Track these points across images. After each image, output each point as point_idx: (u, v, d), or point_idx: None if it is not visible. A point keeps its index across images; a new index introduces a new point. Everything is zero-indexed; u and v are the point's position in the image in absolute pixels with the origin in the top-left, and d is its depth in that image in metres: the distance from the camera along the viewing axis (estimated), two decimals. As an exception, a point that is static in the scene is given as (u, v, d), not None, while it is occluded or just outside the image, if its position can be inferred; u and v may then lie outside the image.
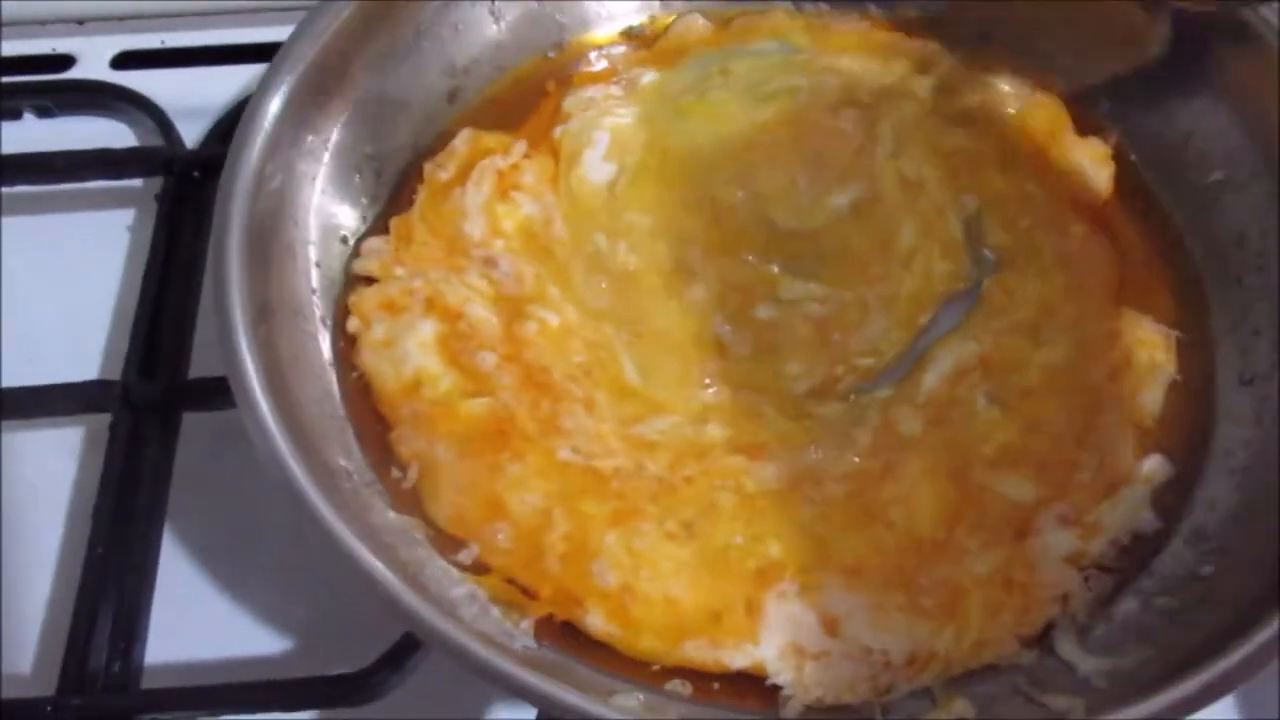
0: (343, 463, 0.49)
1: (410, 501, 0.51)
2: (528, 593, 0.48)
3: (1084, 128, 0.62)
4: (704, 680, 0.47)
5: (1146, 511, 0.51)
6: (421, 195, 0.60)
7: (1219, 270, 0.57)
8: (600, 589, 0.47)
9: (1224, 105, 0.59)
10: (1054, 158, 0.61)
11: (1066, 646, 0.46)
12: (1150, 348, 0.55)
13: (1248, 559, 0.47)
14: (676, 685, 0.47)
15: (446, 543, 0.50)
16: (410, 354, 0.54)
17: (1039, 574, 0.48)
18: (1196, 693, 0.40)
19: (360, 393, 0.53)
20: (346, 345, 0.54)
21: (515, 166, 0.60)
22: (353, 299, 0.56)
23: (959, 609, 0.47)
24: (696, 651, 0.47)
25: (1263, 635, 0.41)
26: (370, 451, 0.52)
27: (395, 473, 0.51)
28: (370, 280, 0.57)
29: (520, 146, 0.61)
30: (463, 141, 0.61)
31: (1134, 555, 0.50)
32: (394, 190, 0.60)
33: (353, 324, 0.55)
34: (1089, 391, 0.53)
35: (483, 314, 0.55)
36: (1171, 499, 0.51)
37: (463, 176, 0.59)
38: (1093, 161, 0.61)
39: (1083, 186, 0.61)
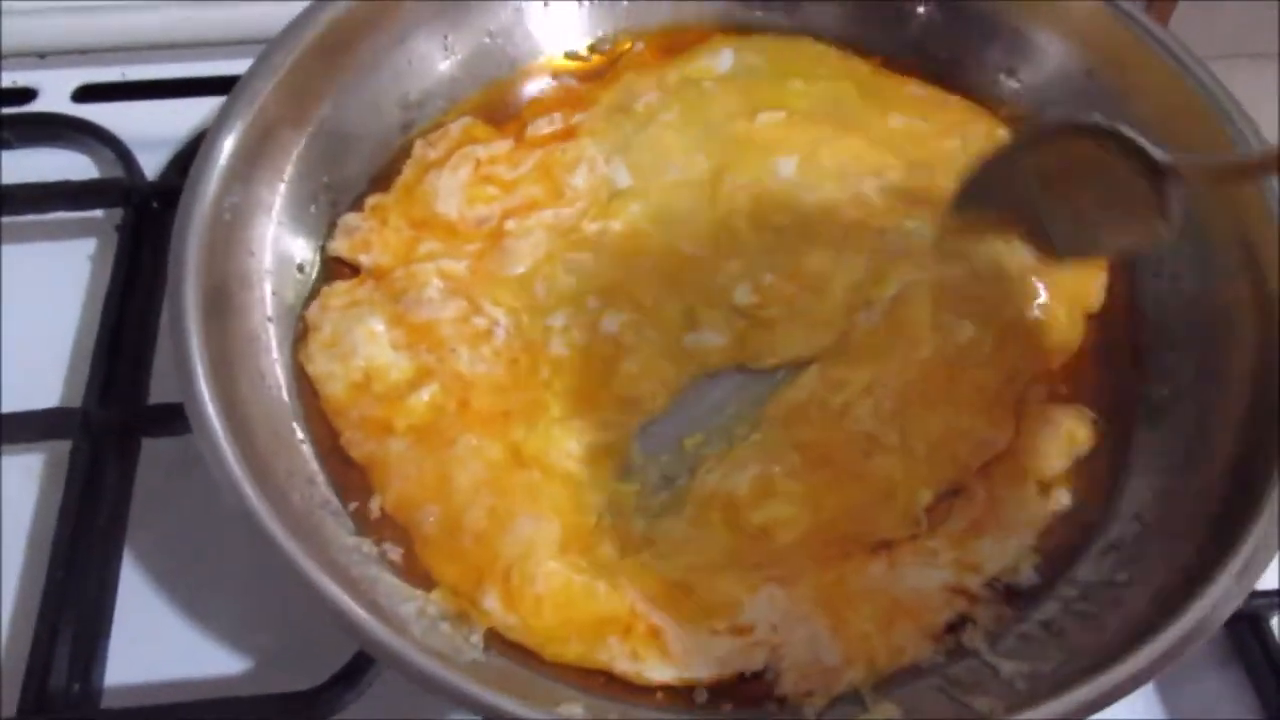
0: (297, 486, 0.51)
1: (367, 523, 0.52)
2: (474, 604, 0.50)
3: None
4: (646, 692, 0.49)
5: (1028, 566, 0.53)
6: (406, 172, 0.62)
7: (1140, 289, 0.61)
8: (502, 568, 0.50)
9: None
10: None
11: (983, 650, 0.49)
12: (1073, 425, 0.57)
13: (1158, 566, 0.50)
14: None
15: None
16: (358, 346, 0.56)
17: (920, 597, 0.51)
18: (1103, 693, 0.43)
19: (318, 416, 0.55)
20: (300, 371, 0.56)
21: (493, 159, 0.63)
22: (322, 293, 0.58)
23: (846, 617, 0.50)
24: (616, 661, 0.49)
25: (1167, 637, 0.44)
26: (327, 472, 0.53)
27: (350, 500, 0.53)
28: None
29: (504, 145, 0.64)
30: (458, 127, 0.64)
31: (1055, 566, 0.53)
32: (350, 220, 0.62)
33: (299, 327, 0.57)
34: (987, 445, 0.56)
35: (438, 297, 0.58)
36: (1091, 512, 0.54)
37: (447, 160, 0.63)
38: (1088, 273, 0.61)
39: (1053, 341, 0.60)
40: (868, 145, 0.63)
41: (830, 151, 0.63)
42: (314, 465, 0.53)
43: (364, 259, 0.60)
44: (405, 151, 0.64)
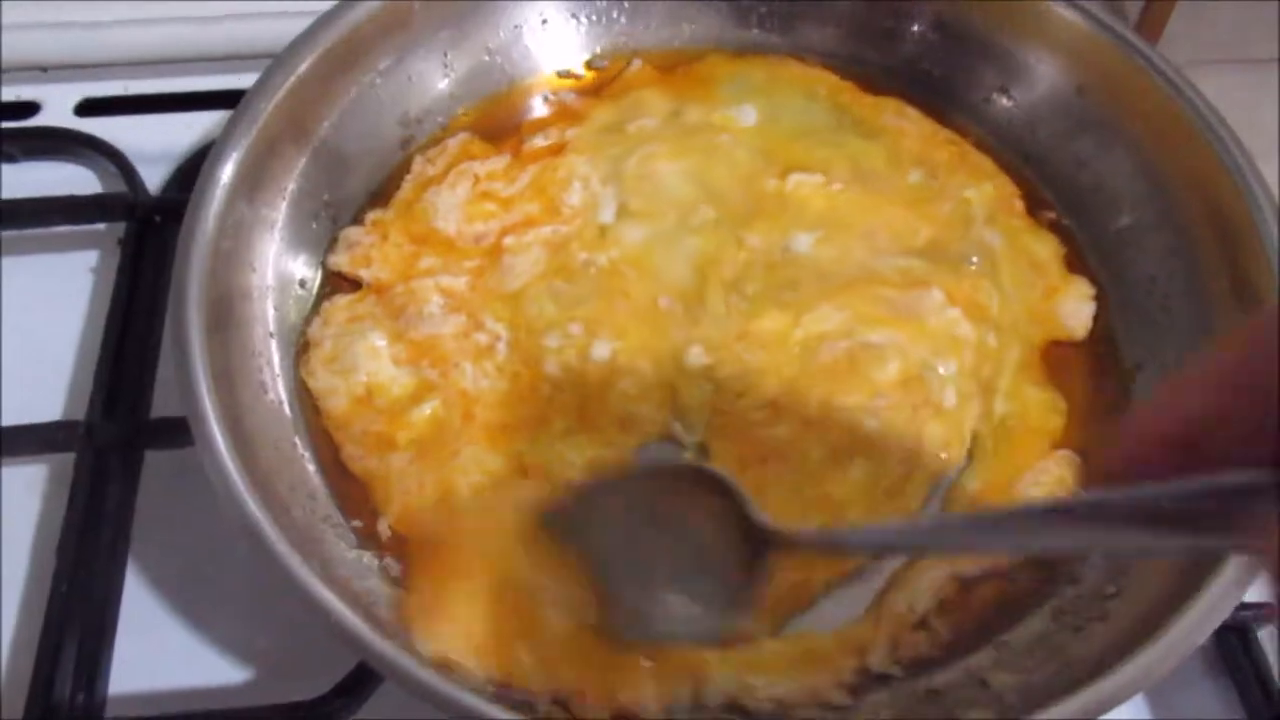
0: (299, 500, 0.51)
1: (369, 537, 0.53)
2: None
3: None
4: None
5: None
6: (405, 188, 0.63)
7: (1131, 305, 0.61)
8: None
9: (1131, 155, 0.63)
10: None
11: (972, 663, 0.50)
12: (1062, 471, 0.57)
13: (1145, 578, 0.51)
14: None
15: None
16: (360, 361, 0.56)
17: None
18: (1096, 702, 0.44)
19: (319, 431, 0.56)
20: (302, 386, 0.57)
21: (491, 175, 0.64)
22: (323, 309, 0.59)
23: None
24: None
25: (1157, 648, 0.45)
26: (329, 487, 0.54)
27: (353, 515, 0.54)
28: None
29: (500, 161, 0.64)
30: (456, 143, 0.65)
31: (1048, 574, 0.53)
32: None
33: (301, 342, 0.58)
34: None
35: (438, 313, 0.58)
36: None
37: (445, 176, 0.63)
38: (1077, 301, 0.62)
39: (1061, 331, 0.61)
40: (898, 212, 0.63)
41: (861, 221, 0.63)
42: (316, 480, 0.54)
43: (364, 274, 0.61)
44: (405, 168, 0.65)
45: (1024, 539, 0.37)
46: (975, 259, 0.60)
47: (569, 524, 0.49)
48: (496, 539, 0.51)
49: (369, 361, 0.57)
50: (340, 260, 0.61)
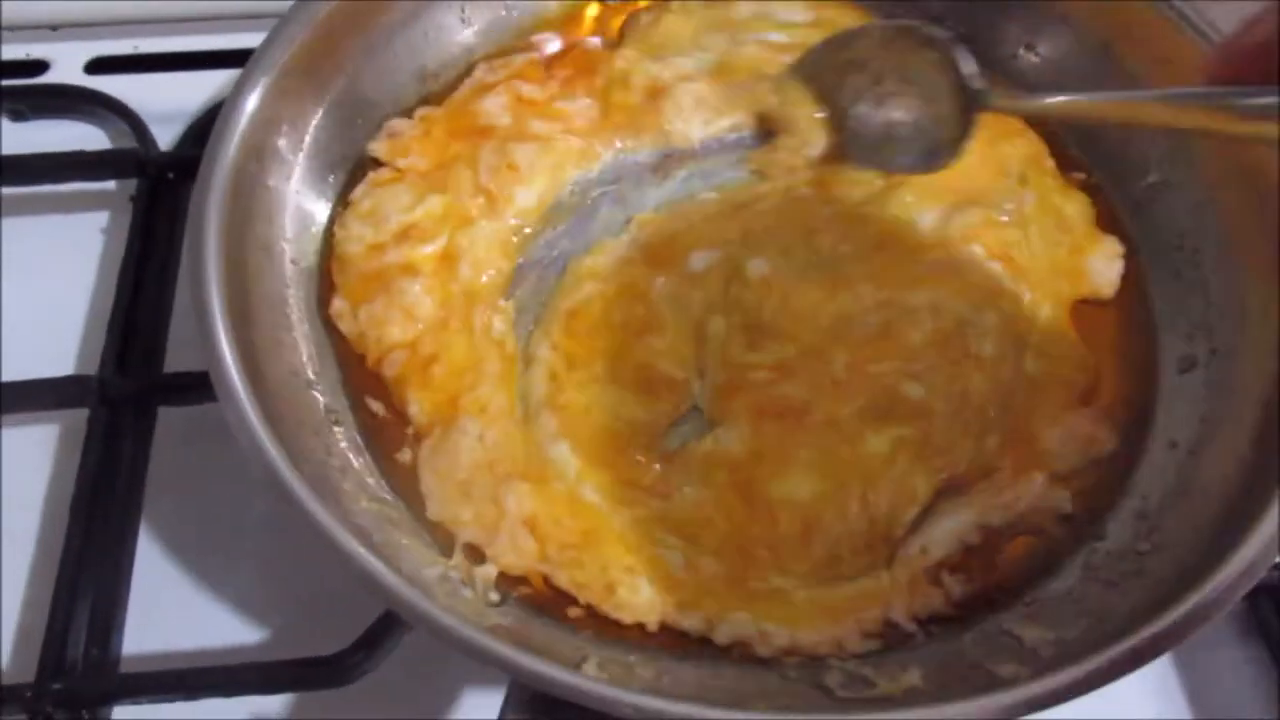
0: (318, 453, 0.51)
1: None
2: None
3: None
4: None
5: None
6: (461, 91, 0.64)
7: (1161, 263, 0.60)
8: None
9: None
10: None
11: (1004, 618, 0.49)
12: (1093, 428, 0.56)
13: (1182, 535, 0.50)
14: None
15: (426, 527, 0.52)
16: (393, 215, 0.58)
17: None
18: (1128, 656, 0.43)
19: (337, 384, 0.55)
20: (321, 336, 0.56)
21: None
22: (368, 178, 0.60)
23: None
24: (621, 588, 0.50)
25: (1192, 602, 0.44)
26: (348, 437, 0.53)
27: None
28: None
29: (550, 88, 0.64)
30: (522, 59, 0.65)
31: (1076, 530, 0.53)
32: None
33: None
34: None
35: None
36: (1116, 479, 0.54)
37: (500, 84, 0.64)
38: (1106, 260, 0.61)
39: (1090, 289, 0.60)
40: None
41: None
42: (334, 432, 0.53)
43: (401, 162, 0.61)
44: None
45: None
46: (1008, 210, 0.60)
47: (811, 70, 0.62)
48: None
49: (403, 214, 0.58)
50: (380, 147, 0.61)
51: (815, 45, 0.62)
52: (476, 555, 0.50)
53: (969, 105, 0.55)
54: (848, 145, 0.62)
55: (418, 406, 0.54)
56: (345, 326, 0.56)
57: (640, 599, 0.49)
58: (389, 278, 0.56)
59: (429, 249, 0.58)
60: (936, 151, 0.57)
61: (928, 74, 0.57)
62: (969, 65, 0.55)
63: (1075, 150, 0.65)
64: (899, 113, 0.59)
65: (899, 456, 0.53)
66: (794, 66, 0.62)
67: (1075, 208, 0.62)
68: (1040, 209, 0.62)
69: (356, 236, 0.58)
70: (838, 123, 0.62)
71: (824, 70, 0.61)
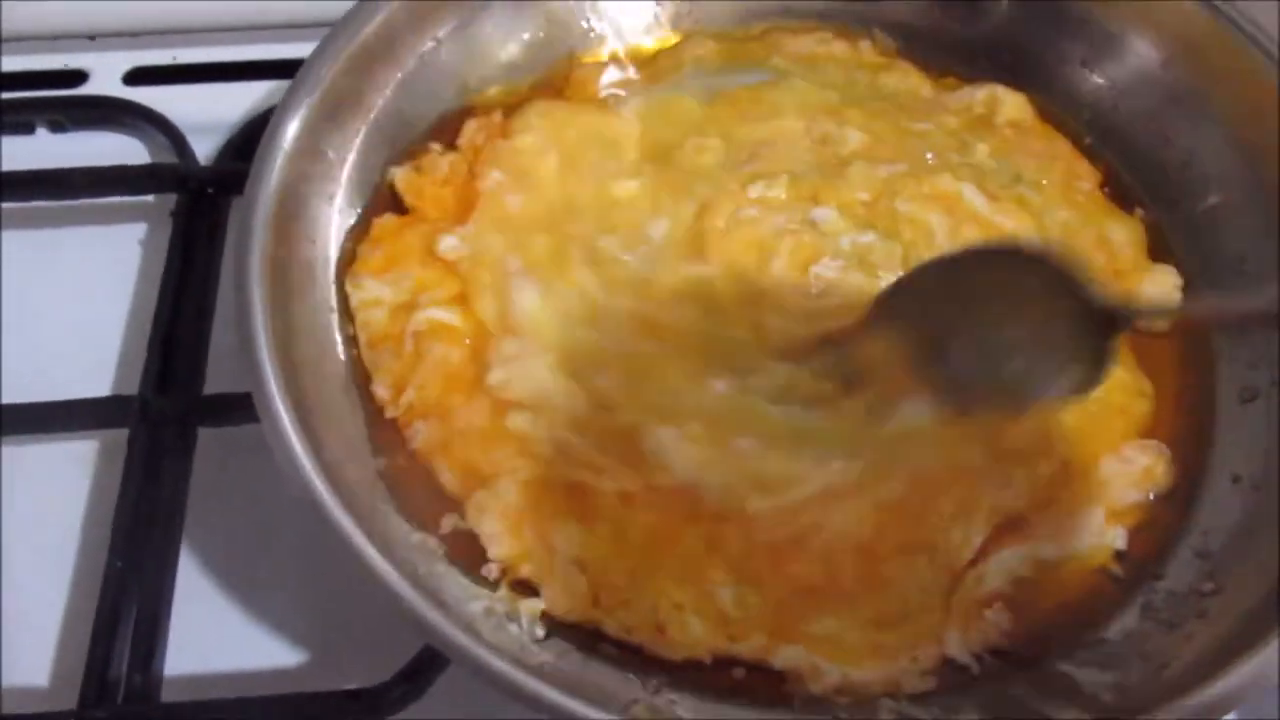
0: (362, 482, 0.50)
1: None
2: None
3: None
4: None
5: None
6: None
7: (1223, 290, 0.58)
8: None
9: (1221, 129, 0.60)
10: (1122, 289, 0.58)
11: (1059, 661, 0.48)
12: (1151, 462, 0.54)
13: (1247, 576, 0.48)
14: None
15: (464, 555, 0.51)
16: (410, 270, 0.56)
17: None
18: (1196, 711, 0.41)
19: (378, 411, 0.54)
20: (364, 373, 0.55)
21: None
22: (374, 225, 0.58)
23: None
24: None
25: (1264, 654, 0.42)
26: (389, 467, 0.53)
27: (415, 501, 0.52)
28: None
29: None
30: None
31: (1135, 569, 0.51)
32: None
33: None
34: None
35: None
36: (1174, 517, 0.53)
37: None
38: (1161, 291, 0.59)
39: (1147, 324, 0.57)
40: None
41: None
42: (377, 460, 0.52)
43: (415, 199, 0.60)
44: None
45: None
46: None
47: (896, 314, 0.51)
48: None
49: (419, 269, 0.56)
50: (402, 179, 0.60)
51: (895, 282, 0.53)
52: (525, 589, 0.50)
53: (1104, 330, 0.45)
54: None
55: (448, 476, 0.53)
56: (391, 413, 0.54)
57: (691, 635, 0.48)
58: (422, 343, 0.55)
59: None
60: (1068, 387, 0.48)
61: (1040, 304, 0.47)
62: (1091, 289, 0.45)
63: (1128, 175, 0.63)
64: (1011, 357, 0.49)
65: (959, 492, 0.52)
66: (873, 314, 0.52)
67: (1124, 233, 0.61)
68: (1080, 226, 0.60)
69: (374, 300, 0.56)
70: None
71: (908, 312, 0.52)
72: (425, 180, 0.60)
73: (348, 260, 0.57)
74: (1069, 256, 0.46)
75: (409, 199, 0.59)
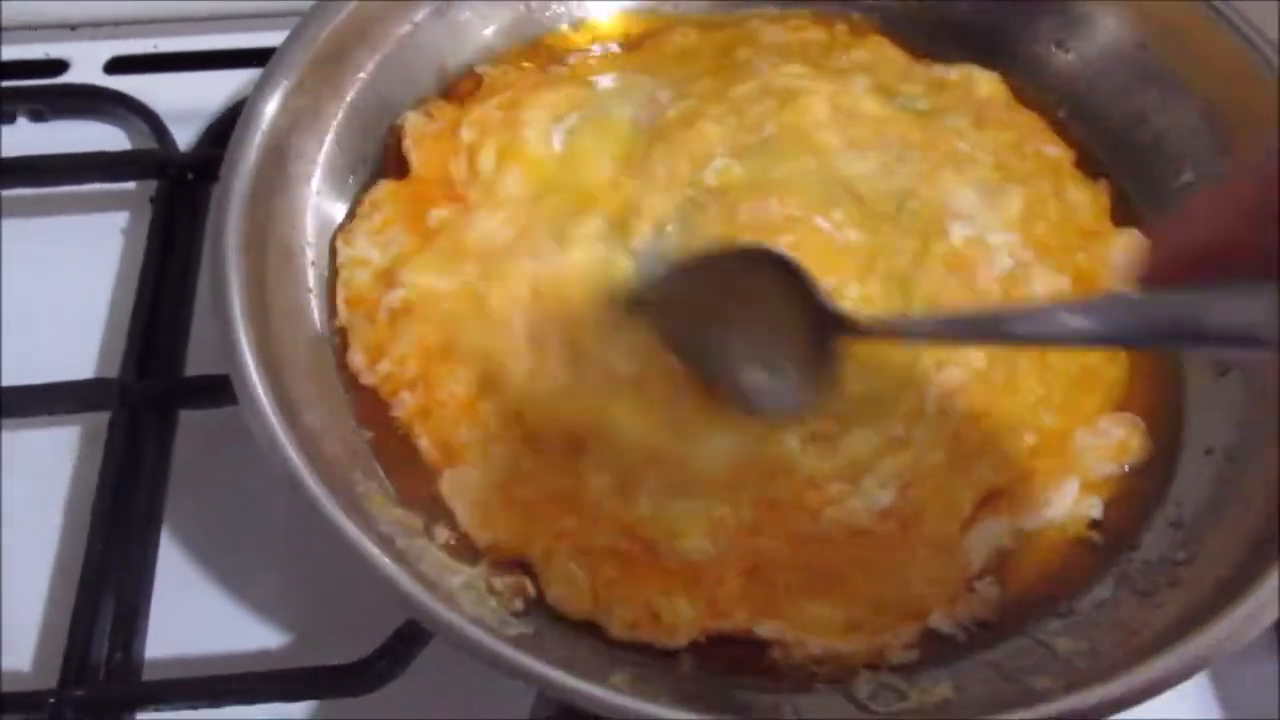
0: (342, 459, 0.50)
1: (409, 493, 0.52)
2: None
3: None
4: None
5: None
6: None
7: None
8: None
9: (1194, 107, 0.60)
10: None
11: (1032, 628, 0.48)
12: (1126, 435, 0.55)
13: (1219, 546, 0.49)
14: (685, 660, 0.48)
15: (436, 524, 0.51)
16: (397, 235, 0.56)
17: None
18: (1172, 671, 0.42)
19: (361, 388, 0.54)
20: (343, 341, 0.55)
21: None
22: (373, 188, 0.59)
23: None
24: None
25: (1234, 616, 0.43)
26: (372, 444, 0.53)
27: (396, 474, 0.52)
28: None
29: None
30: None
31: (1111, 539, 0.52)
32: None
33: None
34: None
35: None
36: (1149, 488, 0.53)
37: None
38: (1127, 254, 0.59)
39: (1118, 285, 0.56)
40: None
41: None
42: (358, 438, 0.52)
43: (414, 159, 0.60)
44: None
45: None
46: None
47: (653, 304, 0.52)
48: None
49: (406, 236, 0.57)
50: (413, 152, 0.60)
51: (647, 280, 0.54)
52: (505, 565, 0.50)
53: (827, 333, 0.46)
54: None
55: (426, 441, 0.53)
56: (366, 380, 0.54)
57: (683, 618, 0.48)
58: (397, 319, 0.54)
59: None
60: (796, 392, 0.49)
61: (774, 305, 0.48)
62: (820, 292, 0.47)
63: (1101, 153, 0.63)
64: (750, 359, 0.50)
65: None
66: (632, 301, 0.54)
67: (1085, 197, 0.61)
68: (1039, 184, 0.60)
69: (362, 259, 0.57)
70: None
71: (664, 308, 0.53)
72: (430, 129, 0.60)
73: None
74: (803, 265, 0.47)
75: (410, 148, 0.60)
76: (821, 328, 0.46)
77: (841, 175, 0.58)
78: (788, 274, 0.47)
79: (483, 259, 0.56)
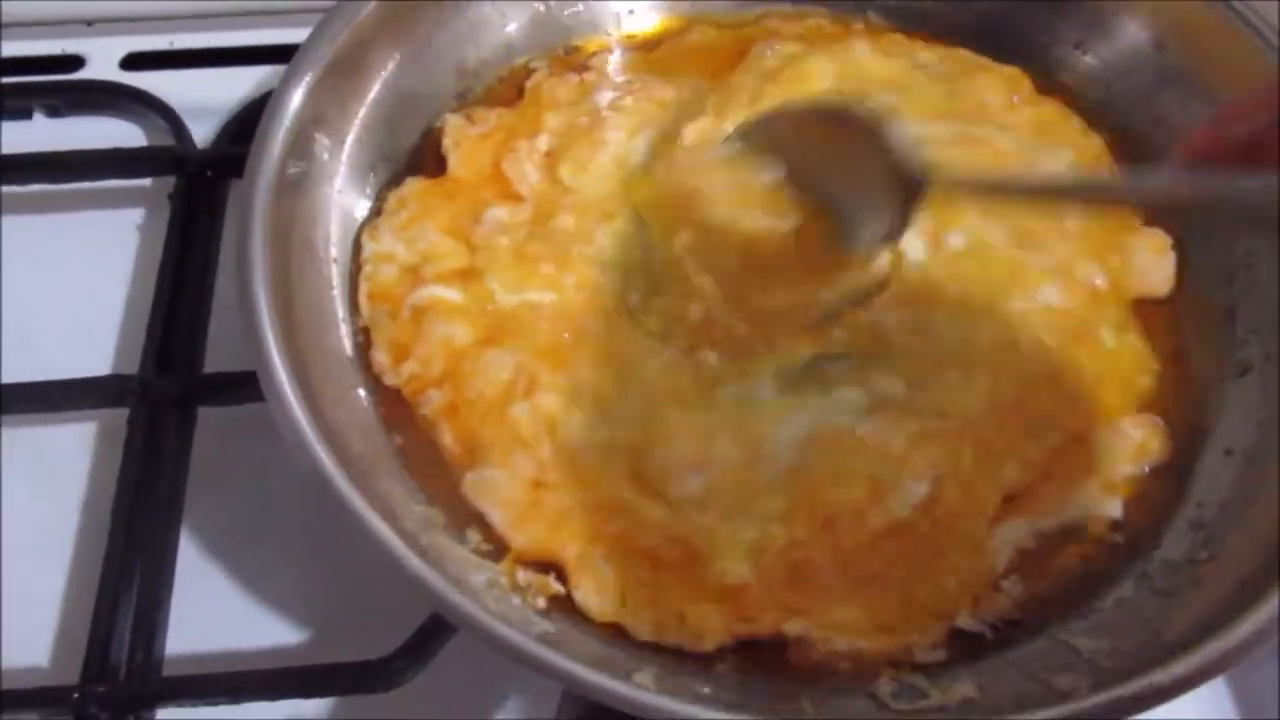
0: (366, 456, 0.50)
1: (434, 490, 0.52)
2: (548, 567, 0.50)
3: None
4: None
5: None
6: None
7: (1214, 265, 0.59)
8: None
9: (1212, 110, 0.59)
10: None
11: (1056, 628, 0.49)
12: (1146, 436, 0.54)
13: (1240, 546, 0.49)
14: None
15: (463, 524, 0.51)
16: (426, 233, 0.57)
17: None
18: (1194, 671, 0.42)
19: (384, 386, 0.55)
20: (366, 340, 0.55)
21: None
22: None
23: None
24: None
25: (1259, 617, 0.43)
26: (395, 441, 0.53)
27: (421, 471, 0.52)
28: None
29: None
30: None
31: (1132, 539, 0.52)
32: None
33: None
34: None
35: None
36: (1170, 487, 0.53)
37: None
38: (1154, 254, 0.59)
39: (1143, 287, 0.58)
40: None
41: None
42: (382, 436, 0.52)
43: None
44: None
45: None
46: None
47: (759, 138, 0.57)
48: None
49: (436, 234, 0.57)
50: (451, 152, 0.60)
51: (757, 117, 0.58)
52: (530, 563, 0.50)
53: (909, 193, 0.50)
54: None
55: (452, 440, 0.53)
56: (389, 381, 0.54)
57: (709, 625, 0.48)
58: (424, 318, 0.55)
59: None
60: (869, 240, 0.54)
61: (858, 160, 0.52)
62: (901, 145, 0.51)
63: (1119, 153, 0.63)
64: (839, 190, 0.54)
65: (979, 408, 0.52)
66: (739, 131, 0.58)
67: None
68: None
69: (388, 254, 0.57)
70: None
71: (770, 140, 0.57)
72: (470, 132, 0.61)
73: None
74: (887, 122, 0.52)
75: (449, 148, 0.60)
76: (902, 178, 0.50)
77: None
78: (871, 129, 0.51)
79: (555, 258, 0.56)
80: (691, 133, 0.59)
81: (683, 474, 0.50)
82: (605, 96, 0.63)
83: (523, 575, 0.49)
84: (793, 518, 0.50)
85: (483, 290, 0.55)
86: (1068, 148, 0.61)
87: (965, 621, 0.49)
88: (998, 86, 0.63)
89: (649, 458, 0.51)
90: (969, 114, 0.61)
